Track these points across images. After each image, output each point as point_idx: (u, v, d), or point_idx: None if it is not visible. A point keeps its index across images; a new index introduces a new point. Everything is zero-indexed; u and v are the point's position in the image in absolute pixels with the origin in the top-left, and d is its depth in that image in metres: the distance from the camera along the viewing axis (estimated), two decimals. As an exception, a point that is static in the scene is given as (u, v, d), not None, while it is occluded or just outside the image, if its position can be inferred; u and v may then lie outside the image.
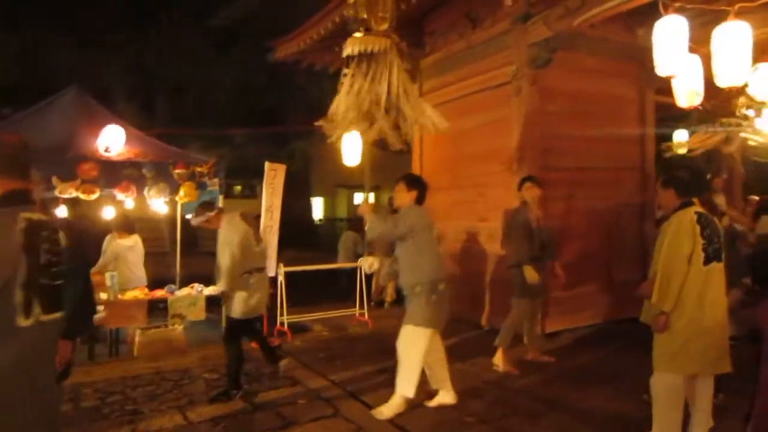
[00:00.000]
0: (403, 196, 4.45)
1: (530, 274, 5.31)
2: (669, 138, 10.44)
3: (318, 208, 23.53)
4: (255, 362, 5.93)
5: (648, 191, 7.42)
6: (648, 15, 4.98)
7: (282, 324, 7.11)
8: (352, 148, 8.22)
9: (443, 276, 4.36)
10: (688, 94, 5.53)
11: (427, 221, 4.43)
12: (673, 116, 9.94)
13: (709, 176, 9.16)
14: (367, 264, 4.29)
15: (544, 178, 6.53)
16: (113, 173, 6.04)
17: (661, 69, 4.75)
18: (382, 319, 7.57)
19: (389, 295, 8.92)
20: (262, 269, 5.09)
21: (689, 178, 3.78)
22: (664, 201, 3.80)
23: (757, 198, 8.52)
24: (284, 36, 8.50)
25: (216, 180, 6.75)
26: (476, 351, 5.94)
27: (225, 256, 4.75)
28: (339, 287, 9.62)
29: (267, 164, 6.85)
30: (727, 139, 6.66)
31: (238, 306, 4.86)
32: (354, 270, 7.74)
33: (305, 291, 8.17)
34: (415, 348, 4.23)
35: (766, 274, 8.30)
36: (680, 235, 3.50)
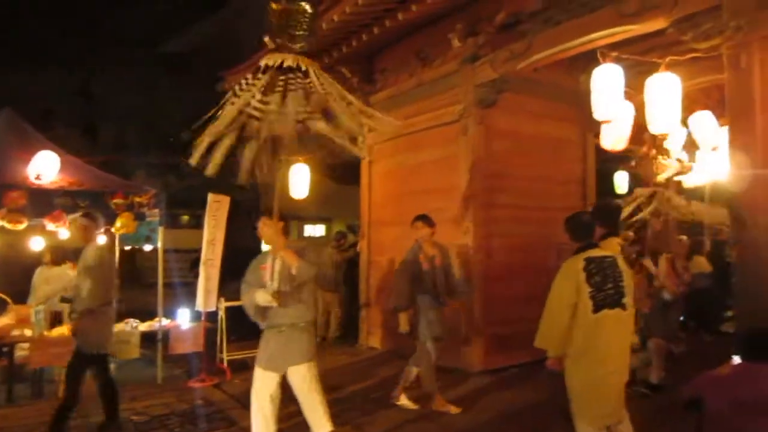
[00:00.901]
0: (270, 229, 4.07)
1: (402, 321, 5.23)
2: (611, 179, 10.82)
3: (267, 239, 23.11)
4: (190, 402, 5.72)
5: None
6: (589, 62, 5.16)
7: (221, 361, 6.89)
8: (299, 180, 8.23)
9: (316, 312, 4.39)
10: (614, 138, 5.76)
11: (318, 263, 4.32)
12: (615, 158, 10.32)
13: (649, 217, 9.49)
14: (265, 299, 4.00)
15: (489, 215, 6.65)
16: (44, 202, 5.75)
17: (598, 114, 4.92)
18: (325, 355, 7.42)
19: (332, 330, 8.79)
20: (112, 303, 4.87)
21: (579, 222, 3.73)
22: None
23: (686, 238, 8.85)
24: (235, 66, 8.44)
25: (156, 210, 6.53)
26: (418, 386, 5.87)
27: (88, 278, 4.52)
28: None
29: (210, 195, 6.70)
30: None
31: (96, 338, 4.59)
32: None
33: (249, 326, 7.92)
34: (318, 381, 4.01)
35: (701, 310, 8.60)
36: (562, 283, 3.46)
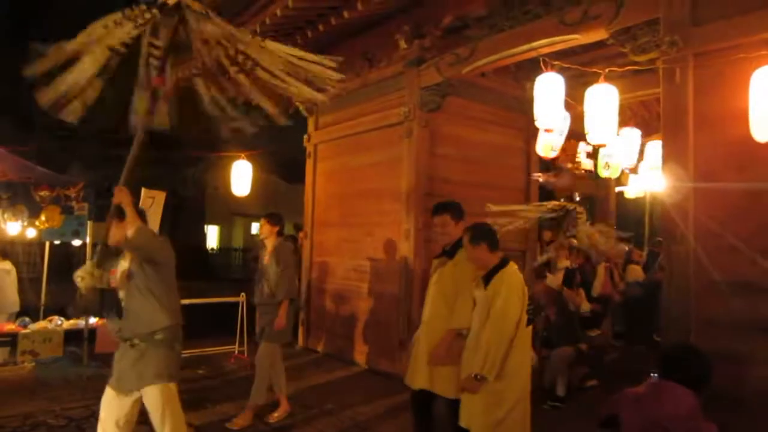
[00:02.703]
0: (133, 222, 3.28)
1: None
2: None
3: (213, 236, 22.74)
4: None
5: (530, 239, 7.64)
6: (535, 70, 5.16)
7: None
8: (242, 177, 8.03)
9: (181, 320, 3.51)
10: (544, 146, 5.81)
11: (173, 254, 3.49)
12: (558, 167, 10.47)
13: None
14: (80, 276, 3.16)
15: (430, 220, 6.57)
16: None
17: (540, 122, 4.94)
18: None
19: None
20: None
21: (491, 231, 3.55)
22: (477, 258, 3.46)
23: (625, 247, 9.02)
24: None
25: (85, 204, 6.24)
26: (353, 390, 5.85)
27: None
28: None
29: (143, 190, 6.42)
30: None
31: None
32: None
33: (188, 324, 7.66)
34: (176, 406, 3.40)
35: (634, 318, 8.76)
36: (514, 298, 3.27)
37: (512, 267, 3.41)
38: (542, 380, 5.83)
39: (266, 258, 5.19)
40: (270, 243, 5.26)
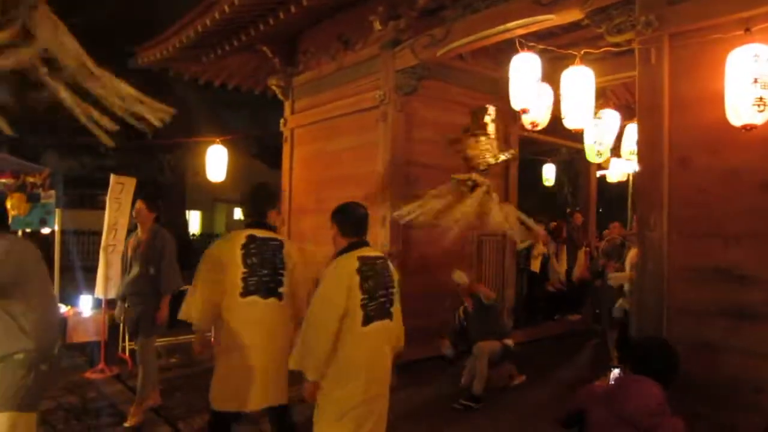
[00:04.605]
0: None
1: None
2: (539, 172, 10.89)
3: (195, 222, 22.52)
4: (81, 395, 5.37)
5: (510, 223, 7.55)
6: (515, 53, 5.01)
7: (123, 350, 6.53)
8: (217, 162, 7.87)
9: (58, 336, 3.05)
10: (531, 120, 5.67)
11: (39, 257, 2.96)
12: (542, 151, 10.39)
13: (569, 210, 9.62)
14: None
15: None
16: None
17: (514, 102, 4.83)
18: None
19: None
20: None
21: (357, 216, 3.22)
22: (332, 237, 3.20)
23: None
24: (147, 41, 7.93)
25: (51, 192, 6.06)
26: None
27: None
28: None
29: (113, 177, 6.26)
30: None
31: None
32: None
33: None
34: None
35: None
36: (334, 286, 2.94)
37: (349, 256, 3.03)
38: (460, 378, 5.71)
39: (143, 246, 4.86)
40: (144, 229, 4.91)
